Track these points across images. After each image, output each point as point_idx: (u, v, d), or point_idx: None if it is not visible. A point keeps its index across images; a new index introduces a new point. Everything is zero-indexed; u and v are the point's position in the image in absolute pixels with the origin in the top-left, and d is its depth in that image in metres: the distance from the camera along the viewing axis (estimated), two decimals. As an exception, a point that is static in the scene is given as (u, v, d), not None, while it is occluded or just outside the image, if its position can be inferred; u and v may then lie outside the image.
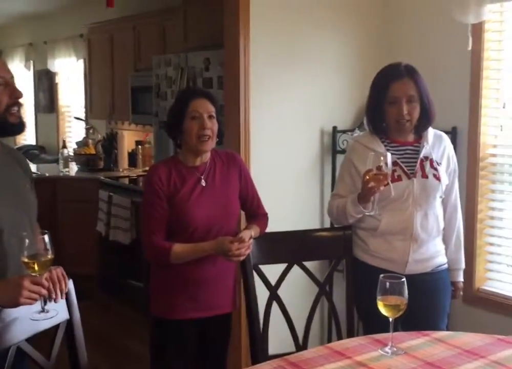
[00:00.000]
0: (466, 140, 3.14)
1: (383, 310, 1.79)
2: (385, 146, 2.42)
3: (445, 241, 2.49)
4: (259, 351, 2.19)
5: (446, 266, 2.47)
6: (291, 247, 2.39)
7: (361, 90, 2.80)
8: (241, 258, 2.20)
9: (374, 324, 1.96)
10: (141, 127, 5.37)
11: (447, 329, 2.46)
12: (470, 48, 2.83)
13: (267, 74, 3.13)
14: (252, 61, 3.06)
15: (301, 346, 2.26)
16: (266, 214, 2.46)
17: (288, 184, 3.26)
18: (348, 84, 3.38)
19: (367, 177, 2.20)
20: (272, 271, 2.30)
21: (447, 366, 1.71)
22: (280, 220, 2.69)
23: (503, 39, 3.08)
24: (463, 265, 2.55)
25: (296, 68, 3.23)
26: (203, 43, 3.89)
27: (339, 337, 2.25)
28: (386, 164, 2.17)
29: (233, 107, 3.09)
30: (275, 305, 2.28)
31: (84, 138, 6.08)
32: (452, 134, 3.10)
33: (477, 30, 3.00)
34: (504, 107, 3.09)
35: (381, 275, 1.81)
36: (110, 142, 5.59)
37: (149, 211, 2.27)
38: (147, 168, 4.80)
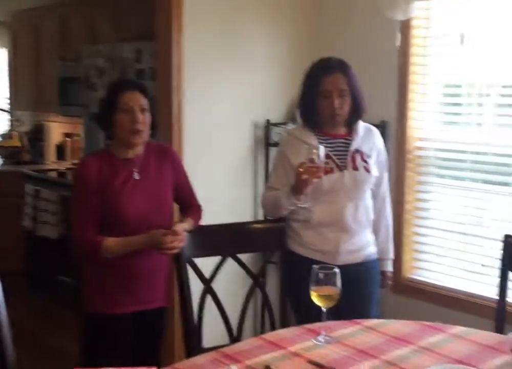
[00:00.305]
0: (394, 133, 3.23)
1: (316, 300, 1.82)
2: (317, 139, 2.46)
3: (375, 231, 2.56)
4: (193, 345, 2.18)
5: (376, 256, 2.54)
6: (225, 240, 2.38)
7: (294, 83, 2.83)
8: (175, 251, 2.18)
9: (307, 314, 1.99)
10: (70, 119, 5.22)
11: (377, 318, 2.53)
12: (398, 44, 2.90)
13: (199, 66, 3.11)
14: (184, 54, 3.03)
15: (235, 338, 2.26)
16: (200, 207, 2.45)
17: (221, 177, 3.26)
18: (280, 78, 3.41)
19: (301, 170, 2.23)
20: (206, 264, 2.29)
21: (378, 353, 1.76)
22: (214, 212, 2.68)
23: (429, 35, 3.18)
24: (392, 255, 2.62)
25: (229, 62, 3.23)
26: (134, 34, 3.82)
27: (273, 328, 2.27)
28: (319, 156, 2.21)
29: (165, 100, 3.05)
30: (209, 298, 2.27)
31: (8, 130, 5.85)
32: (381, 127, 3.18)
33: (406, 27, 3.09)
34: (429, 102, 3.19)
35: (314, 266, 1.83)
36: (37, 134, 5.40)
37: (78, 205, 2.21)
38: (76, 161, 4.68)
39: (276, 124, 3.36)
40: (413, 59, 3.17)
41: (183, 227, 2.23)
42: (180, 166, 2.41)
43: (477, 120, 3.07)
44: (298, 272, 2.30)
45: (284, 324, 2.31)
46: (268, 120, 3.36)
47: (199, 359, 1.72)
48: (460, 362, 1.70)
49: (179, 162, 2.42)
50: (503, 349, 1.78)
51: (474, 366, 1.66)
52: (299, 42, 3.45)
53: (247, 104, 3.32)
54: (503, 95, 3.06)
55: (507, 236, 2.24)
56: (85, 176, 2.20)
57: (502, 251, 2.24)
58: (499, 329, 2.14)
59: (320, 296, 1.82)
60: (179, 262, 2.23)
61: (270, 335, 1.92)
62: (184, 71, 3.04)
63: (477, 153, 3.03)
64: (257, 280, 2.36)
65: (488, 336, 1.89)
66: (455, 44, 2.98)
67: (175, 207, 2.47)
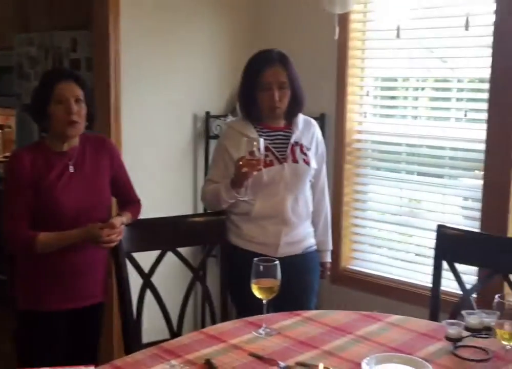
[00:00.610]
0: (333, 126, 3.26)
1: (257, 292, 1.83)
2: (257, 131, 2.46)
3: (314, 223, 2.59)
4: (132, 340, 2.15)
5: (315, 247, 2.57)
6: (165, 234, 2.36)
7: (234, 75, 2.82)
8: (112, 245, 2.14)
9: (248, 307, 1.99)
10: (1, 110, 5.02)
11: (316, 308, 2.56)
12: (336, 37, 2.93)
13: (138, 57, 3.05)
14: (122, 44, 2.97)
15: (176, 332, 2.24)
16: (139, 201, 2.41)
17: (161, 170, 3.22)
18: (221, 70, 3.39)
19: (241, 163, 2.23)
20: (145, 258, 2.26)
21: (318, 344, 1.78)
22: (153, 206, 2.65)
23: (367, 29, 3.23)
24: (330, 246, 2.66)
25: (169, 53, 3.18)
26: (69, 23, 3.70)
27: (213, 322, 2.26)
28: (259, 149, 2.21)
29: (102, 91, 2.98)
30: (148, 293, 2.24)
31: None
32: (321, 120, 3.22)
33: (344, 20, 3.12)
34: (367, 95, 3.25)
35: (255, 259, 1.84)
36: (-35, 126, 5.18)
37: (11, 199, 2.14)
38: (8, 154, 4.51)
39: (216, 117, 3.34)
40: (351, 53, 3.21)
41: (121, 220, 2.19)
42: (118, 159, 2.36)
43: (412, 113, 3.15)
44: (238, 265, 2.30)
45: (225, 318, 2.32)
46: (207, 112, 3.33)
47: (139, 355, 1.69)
48: (396, 349, 1.75)
49: (117, 154, 2.37)
50: (437, 336, 1.83)
51: (409, 354, 1.71)
52: (239, 33, 3.44)
53: (186, 96, 3.28)
54: (436, 89, 3.15)
55: (440, 226, 2.31)
56: (18, 169, 2.13)
57: (435, 241, 2.30)
58: (434, 317, 2.21)
59: (261, 288, 1.82)
60: (118, 256, 2.19)
61: (211, 329, 1.91)
62: (122, 61, 2.98)
63: (413, 146, 3.10)
64: (197, 273, 2.35)
65: (423, 324, 1.95)
66: (392, 38, 3.04)
67: (114, 201, 2.42)
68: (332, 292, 3.27)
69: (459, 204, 3.02)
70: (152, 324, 2.39)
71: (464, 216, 2.97)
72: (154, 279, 2.26)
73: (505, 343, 1.56)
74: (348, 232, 3.32)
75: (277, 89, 2.40)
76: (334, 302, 3.15)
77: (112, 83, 2.96)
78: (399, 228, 3.17)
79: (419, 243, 3.12)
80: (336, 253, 3.21)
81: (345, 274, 3.28)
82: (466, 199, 3.00)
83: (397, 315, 2.03)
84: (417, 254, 3.15)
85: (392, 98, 3.29)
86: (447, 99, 3.07)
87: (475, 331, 1.76)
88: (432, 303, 2.26)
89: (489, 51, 2.74)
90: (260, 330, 1.86)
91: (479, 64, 2.86)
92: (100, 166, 2.26)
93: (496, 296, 1.59)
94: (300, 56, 2.93)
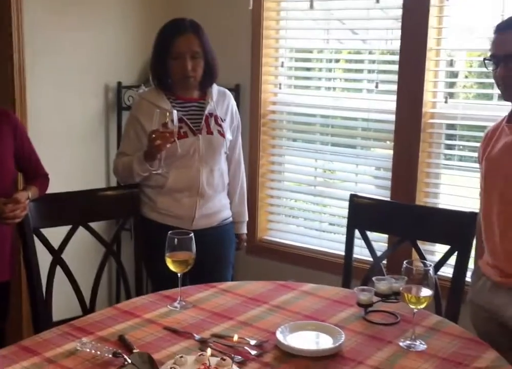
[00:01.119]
0: (249, 97, 3.25)
1: (171, 266, 1.81)
2: (170, 102, 2.40)
3: (230, 195, 2.58)
4: (42, 319, 2.07)
5: (230, 219, 2.57)
6: (75, 208, 2.28)
7: (147, 45, 2.71)
8: (17, 220, 2.04)
9: (163, 281, 1.96)
10: None
11: (233, 280, 2.57)
12: (251, 7, 2.90)
13: (43, 23, 2.89)
14: (25, 6, 2.79)
15: (88, 309, 2.19)
16: (47, 175, 2.31)
17: (71, 143, 3.10)
18: (133, 39, 3.27)
19: (153, 135, 2.17)
20: (57, 234, 2.18)
21: (233, 315, 1.79)
22: (63, 180, 2.56)
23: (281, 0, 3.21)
24: (246, 218, 2.66)
25: (78, 20, 3.04)
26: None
27: (128, 297, 2.22)
28: (172, 121, 2.16)
29: (5, 60, 2.81)
30: (59, 270, 2.17)
31: None
32: (236, 91, 3.19)
33: (257, -11, 3.08)
34: (282, 66, 3.25)
35: (169, 232, 1.81)
36: None
37: None
38: None
39: (128, 87, 3.24)
40: (266, 23, 3.19)
41: (26, 195, 2.08)
42: (23, 132, 2.24)
43: (326, 84, 3.18)
44: (152, 239, 2.27)
45: (140, 292, 2.28)
46: (119, 83, 3.23)
47: (48, 334, 1.64)
48: (310, 317, 1.78)
49: (22, 128, 2.25)
50: (349, 303, 1.88)
51: (322, 321, 1.74)
52: (152, 2, 3.33)
53: (97, 65, 3.15)
54: (349, 61, 3.19)
55: (352, 195, 2.36)
56: None
57: (348, 210, 2.35)
58: (347, 284, 2.27)
59: (175, 262, 1.80)
60: (24, 232, 2.10)
61: (124, 304, 1.88)
62: (25, 26, 2.81)
63: (326, 117, 3.14)
64: (111, 248, 2.30)
65: (336, 292, 1.99)
66: (306, 9, 3.04)
67: (21, 177, 2.31)
68: (249, 263, 3.29)
69: (371, 174, 3.09)
70: (64, 302, 2.32)
71: (376, 185, 3.06)
72: (66, 255, 2.19)
73: (412, 306, 1.61)
74: (265, 204, 3.34)
75: (190, 59, 2.35)
76: (250, 273, 3.18)
77: (15, 51, 2.79)
78: (314, 199, 3.22)
79: (333, 213, 3.19)
80: (252, 224, 3.23)
81: (262, 245, 3.30)
82: (378, 168, 3.08)
83: (311, 284, 2.06)
84: (331, 224, 3.22)
85: (307, 69, 3.30)
86: (360, 71, 3.12)
87: (384, 297, 1.82)
88: (345, 271, 2.31)
89: (399, 24, 2.79)
90: (175, 304, 1.84)
91: (389, 36, 2.91)
92: (2, 140, 2.14)
93: (404, 262, 1.64)
94: (214, 26, 2.88)
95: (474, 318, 2.00)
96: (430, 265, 1.62)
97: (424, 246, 2.75)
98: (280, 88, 3.27)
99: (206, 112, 2.43)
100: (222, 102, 2.51)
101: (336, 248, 3.05)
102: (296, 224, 3.34)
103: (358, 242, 2.35)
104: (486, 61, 1.88)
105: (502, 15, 2.48)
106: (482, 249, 1.99)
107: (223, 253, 2.53)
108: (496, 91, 2.70)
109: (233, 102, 2.58)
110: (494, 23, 1.89)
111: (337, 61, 3.19)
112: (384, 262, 2.40)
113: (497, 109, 2.63)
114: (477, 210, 2.05)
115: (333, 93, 3.16)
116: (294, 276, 2.59)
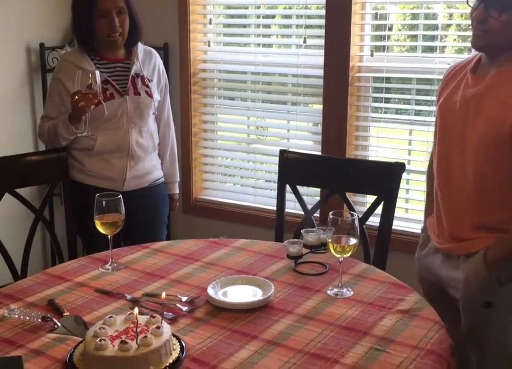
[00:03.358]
0: (178, 55, 3.19)
1: (101, 228, 1.80)
2: (94, 63, 2.35)
3: (161, 156, 2.56)
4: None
5: (162, 180, 2.56)
6: (1, 175, 2.22)
7: (70, 4, 2.61)
8: None
9: (95, 244, 1.96)
10: None
11: (168, 240, 2.58)
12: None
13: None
14: None
15: (20, 277, 2.16)
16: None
17: (-6, 108, 2.99)
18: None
19: (77, 97, 2.13)
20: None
21: (165, 274, 1.80)
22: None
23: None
24: (177, 178, 2.66)
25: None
26: None
27: (61, 262, 2.20)
28: (95, 82, 2.11)
29: None
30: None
31: None
32: (164, 50, 3.13)
33: None
34: (210, 23, 3.20)
35: (97, 194, 1.80)
36: None
37: None
38: None
39: (52, 48, 3.13)
40: (192, -21, 3.12)
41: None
42: None
43: (255, 41, 3.16)
44: (83, 202, 2.24)
45: (74, 257, 2.26)
46: (42, 44, 3.10)
47: (-26, 304, 1.61)
48: (241, 272, 1.81)
49: None
50: (280, 256, 1.92)
51: (254, 274, 1.78)
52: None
53: (17, 26, 3.02)
54: (285, 16, 3.17)
55: (281, 151, 2.38)
56: None
57: (278, 166, 2.38)
58: (279, 239, 2.31)
59: (104, 224, 1.79)
60: None
61: (55, 269, 1.86)
62: None
63: (257, 73, 3.13)
64: (40, 214, 2.26)
65: (267, 246, 2.03)
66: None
67: None
68: (185, 223, 3.30)
69: (303, 129, 3.12)
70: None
71: (309, 140, 3.09)
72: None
73: (338, 256, 1.66)
74: (199, 163, 3.33)
75: (116, 15, 2.29)
76: (187, 232, 3.19)
77: None
78: (248, 156, 3.24)
79: (268, 169, 3.21)
80: (187, 184, 3.23)
81: (197, 205, 3.31)
82: (310, 124, 3.11)
83: (244, 239, 2.09)
84: (267, 180, 3.25)
85: (240, 26, 3.26)
86: (288, 26, 3.11)
87: (313, 248, 1.87)
88: (277, 226, 2.35)
89: (324, -23, 2.79)
90: (107, 266, 1.84)
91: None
92: None
93: (330, 213, 1.67)
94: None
95: (419, 278, 1.97)
96: (354, 215, 1.67)
97: (355, 198, 2.84)
98: (209, 45, 3.22)
99: (132, 72, 2.38)
100: (148, 62, 2.47)
101: (271, 204, 3.09)
102: (231, 182, 3.35)
103: (292, 197, 2.38)
104: None
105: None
106: (431, 207, 1.92)
107: (156, 213, 2.52)
108: (421, 43, 2.76)
109: (159, 61, 2.53)
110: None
111: (267, 17, 3.16)
112: (318, 215, 2.44)
113: (423, 61, 2.70)
114: (404, 161, 2.07)
115: (262, 49, 3.14)
116: (230, 233, 2.62)
